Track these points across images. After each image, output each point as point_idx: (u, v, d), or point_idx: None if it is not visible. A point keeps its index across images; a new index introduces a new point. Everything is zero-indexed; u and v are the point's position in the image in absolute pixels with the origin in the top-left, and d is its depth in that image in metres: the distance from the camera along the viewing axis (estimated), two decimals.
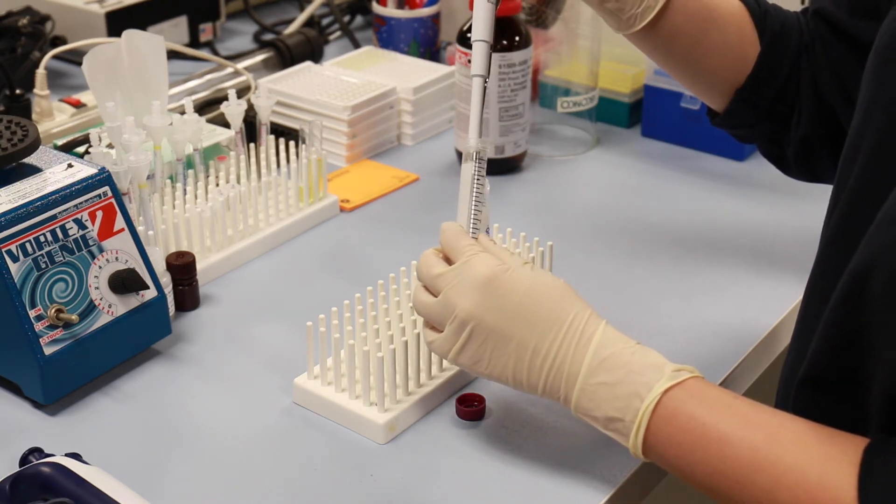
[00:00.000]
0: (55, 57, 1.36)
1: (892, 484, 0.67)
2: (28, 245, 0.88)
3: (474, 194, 0.86)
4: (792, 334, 0.86)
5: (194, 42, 1.59)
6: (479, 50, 0.89)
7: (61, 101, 1.32)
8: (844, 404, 0.74)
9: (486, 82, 0.89)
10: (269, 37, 1.61)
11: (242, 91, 1.37)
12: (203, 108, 1.31)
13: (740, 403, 0.76)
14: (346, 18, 1.68)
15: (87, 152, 1.04)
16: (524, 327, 0.80)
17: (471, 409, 0.90)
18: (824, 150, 0.98)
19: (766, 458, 0.72)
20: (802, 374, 0.77)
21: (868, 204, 0.73)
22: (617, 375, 0.77)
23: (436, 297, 0.82)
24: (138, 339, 0.96)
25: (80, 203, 0.92)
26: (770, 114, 0.99)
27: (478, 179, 0.87)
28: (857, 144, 0.78)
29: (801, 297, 1.06)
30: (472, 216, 0.86)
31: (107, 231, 0.93)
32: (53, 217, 0.90)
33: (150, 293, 0.95)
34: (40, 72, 1.28)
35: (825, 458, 0.71)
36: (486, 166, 0.87)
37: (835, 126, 0.96)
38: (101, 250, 0.92)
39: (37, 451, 0.83)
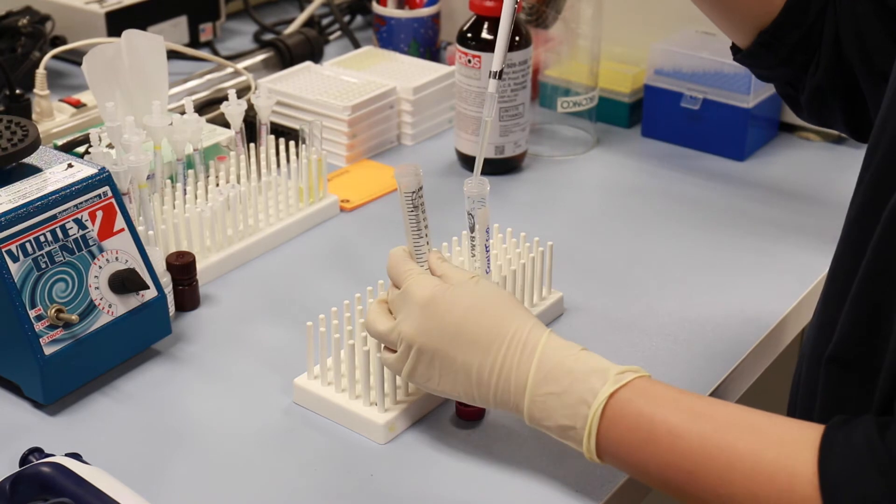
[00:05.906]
0: (55, 57, 1.35)
1: (853, 454, 0.67)
2: (28, 245, 0.88)
3: (409, 218, 0.87)
4: (814, 311, 0.85)
5: (194, 42, 1.59)
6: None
7: (61, 101, 1.32)
8: (873, 382, 0.73)
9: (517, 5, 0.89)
10: (269, 37, 1.61)
11: (242, 91, 1.36)
12: (203, 108, 1.31)
13: (688, 398, 0.76)
14: (346, 18, 1.68)
15: (87, 152, 1.04)
16: (466, 345, 0.81)
17: (471, 408, 0.90)
18: (836, 101, 0.97)
19: (718, 446, 0.72)
20: (830, 350, 0.76)
21: (892, 183, 0.73)
22: (563, 384, 0.78)
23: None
24: (138, 339, 0.96)
25: (80, 203, 0.91)
26: (789, 60, 0.98)
27: (413, 200, 0.86)
28: (882, 126, 0.77)
29: (801, 296, 1.06)
30: (413, 236, 0.87)
31: (107, 231, 0.93)
32: (53, 217, 0.90)
33: (150, 293, 0.95)
34: (40, 72, 1.28)
35: (781, 442, 0.70)
36: (422, 194, 0.87)
37: (850, 80, 0.94)
38: (101, 250, 0.92)
39: (37, 451, 0.83)
